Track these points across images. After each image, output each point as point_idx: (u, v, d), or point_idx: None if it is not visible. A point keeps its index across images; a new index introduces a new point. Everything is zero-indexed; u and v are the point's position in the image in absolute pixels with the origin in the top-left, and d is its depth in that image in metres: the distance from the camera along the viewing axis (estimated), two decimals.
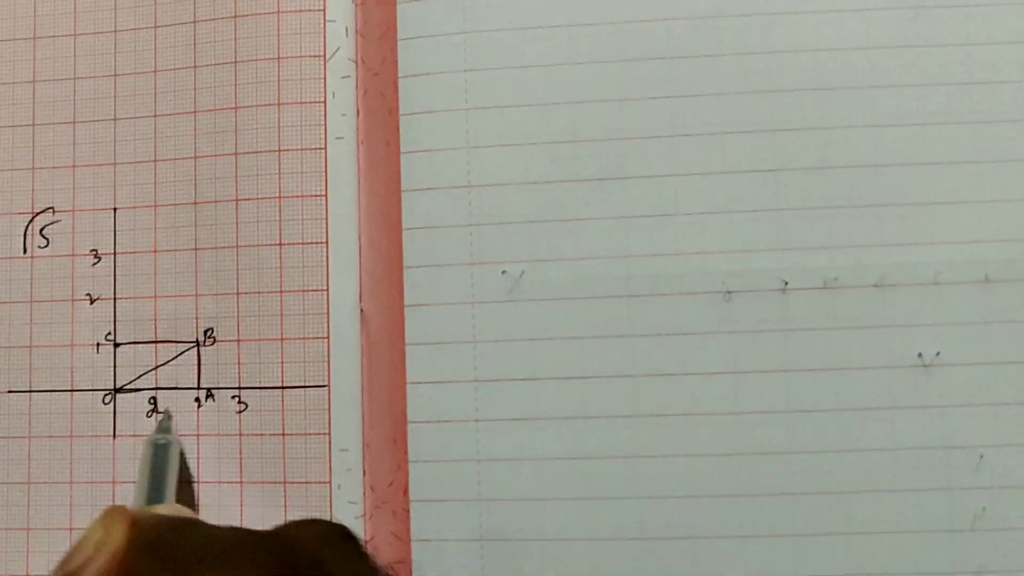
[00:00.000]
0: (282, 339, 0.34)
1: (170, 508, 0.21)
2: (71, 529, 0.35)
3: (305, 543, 0.19)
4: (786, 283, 0.33)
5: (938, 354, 0.32)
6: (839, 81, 0.33)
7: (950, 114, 0.33)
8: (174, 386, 0.35)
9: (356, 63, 0.36)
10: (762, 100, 0.34)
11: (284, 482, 0.34)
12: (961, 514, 0.32)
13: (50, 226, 0.37)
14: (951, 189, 0.33)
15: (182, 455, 0.24)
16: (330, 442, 0.34)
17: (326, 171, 0.35)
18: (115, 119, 0.36)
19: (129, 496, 0.35)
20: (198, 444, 0.34)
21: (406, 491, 0.34)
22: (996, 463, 0.32)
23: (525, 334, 0.34)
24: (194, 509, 0.29)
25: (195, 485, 0.25)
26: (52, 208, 0.37)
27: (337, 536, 0.20)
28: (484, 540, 0.33)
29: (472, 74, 0.35)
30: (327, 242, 0.34)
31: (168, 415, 0.26)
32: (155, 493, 0.21)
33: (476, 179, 0.35)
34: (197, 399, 0.35)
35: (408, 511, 0.33)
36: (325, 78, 0.35)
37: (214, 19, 0.36)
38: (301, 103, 0.35)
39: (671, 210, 0.34)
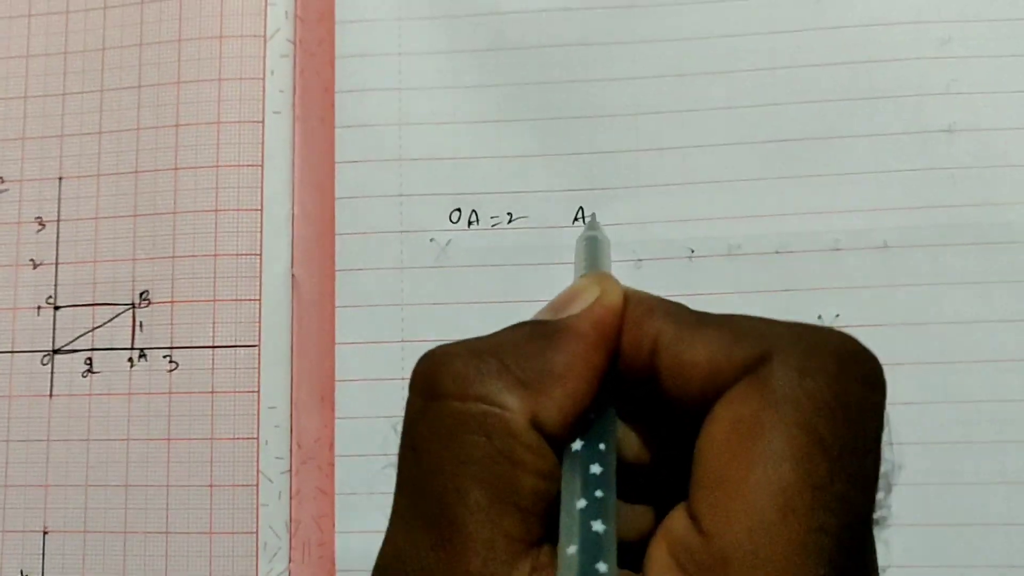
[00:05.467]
0: (215, 300, 0.35)
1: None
2: (5, 486, 0.36)
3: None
4: (692, 251, 0.35)
5: (837, 316, 0.34)
6: (744, 64, 0.36)
7: (849, 90, 0.35)
8: (109, 347, 0.36)
9: (294, 43, 0.38)
10: (673, 83, 0.36)
11: (211, 438, 0.35)
12: None
13: None
14: (851, 161, 0.35)
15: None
16: (259, 400, 0.35)
17: (263, 143, 0.36)
18: (64, 94, 0.38)
19: (66, 453, 0.36)
20: (129, 403, 0.36)
21: (332, 447, 0.35)
22: (892, 420, 0.33)
23: (451, 298, 0.35)
24: None
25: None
26: (1, 178, 0.38)
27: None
28: None
29: (405, 57, 0.37)
30: (261, 209, 0.36)
31: (594, 216, 0.27)
32: (591, 270, 0.22)
33: (406, 153, 0.37)
34: (130, 359, 0.36)
35: (333, 466, 0.35)
36: (265, 57, 0.37)
37: (161, 0, 0.38)
38: (241, 79, 0.37)
39: (586, 184, 0.36)
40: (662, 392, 0.18)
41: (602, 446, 0.17)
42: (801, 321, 0.17)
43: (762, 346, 0.16)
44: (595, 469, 0.17)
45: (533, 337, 0.18)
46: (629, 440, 0.19)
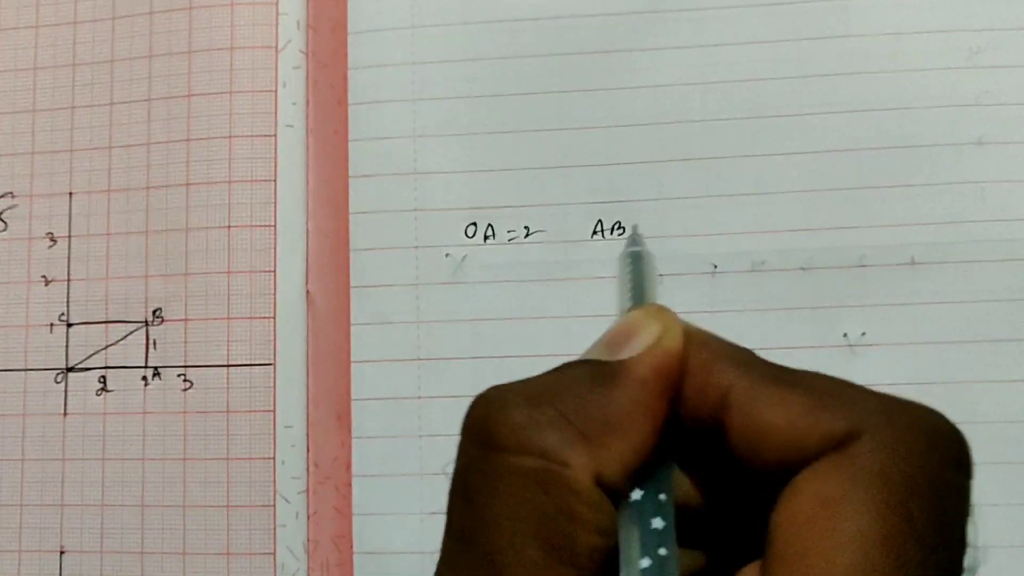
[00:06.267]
0: (229, 318, 0.35)
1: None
2: (21, 506, 0.36)
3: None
4: (715, 266, 0.34)
5: (863, 334, 0.33)
6: (769, 73, 0.35)
7: (877, 102, 0.34)
8: (123, 365, 0.36)
9: (307, 55, 0.37)
10: (694, 92, 0.35)
11: (227, 458, 0.34)
12: None
13: (8, 211, 0.38)
14: (878, 174, 0.34)
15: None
16: (275, 419, 0.34)
17: (276, 157, 0.36)
18: (73, 107, 0.38)
19: (81, 472, 0.36)
20: (144, 423, 0.35)
21: (349, 467, 0.34)
22: None
23: (468, 314, 0.35)
24: None
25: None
26: (11, 193, 0.38)
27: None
28: (424, 515, 0.34)
29: (419, 67, 0.36)
30: (275, 225, 0.35)
31: (636, 229, 0.26)
32: (638, 296, 0.21)
33: (421, 166, 0.36)
34: (144, 378, 0.35)
35: (351, 486, 0.34)
36: (276, 68, 0.36)
37: (170, 10, 0.37)
38: (253, 92, 0.36)
39: (605, 197, 0.35)
40: (728, 446, 0.17)
41: (662, 497, 0.17)
42: (886, 392, 0.16)
43: (850, 419, 0.15)
44: (656, 524, 0.16)
45: (591, 382, 0.17)
46: (679, 481, 0.19)
